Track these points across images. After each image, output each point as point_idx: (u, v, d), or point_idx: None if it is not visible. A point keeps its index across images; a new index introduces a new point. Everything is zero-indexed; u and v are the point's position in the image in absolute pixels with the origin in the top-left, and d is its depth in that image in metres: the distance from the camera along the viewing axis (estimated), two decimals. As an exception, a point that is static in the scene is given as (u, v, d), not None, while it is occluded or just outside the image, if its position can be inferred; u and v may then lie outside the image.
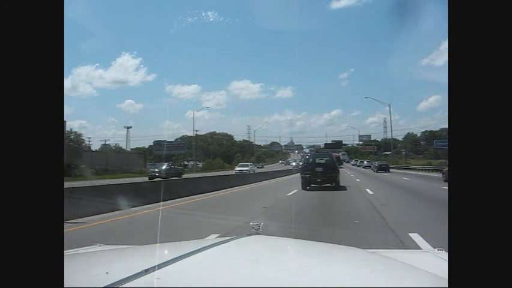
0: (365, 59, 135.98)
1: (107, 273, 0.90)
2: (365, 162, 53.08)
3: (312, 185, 14.09)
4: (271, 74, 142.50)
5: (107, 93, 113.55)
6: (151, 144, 63.50)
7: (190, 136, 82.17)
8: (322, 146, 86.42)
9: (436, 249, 1.40)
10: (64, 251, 0.79)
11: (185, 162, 49.89)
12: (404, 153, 68.29)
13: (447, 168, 19.75)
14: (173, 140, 65.52)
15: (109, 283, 0.80)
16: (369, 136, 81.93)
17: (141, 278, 0.85)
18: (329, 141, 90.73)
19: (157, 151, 62.43)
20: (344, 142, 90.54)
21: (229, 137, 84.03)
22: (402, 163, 50.88)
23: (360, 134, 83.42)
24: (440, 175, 22.67)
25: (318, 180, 14.44)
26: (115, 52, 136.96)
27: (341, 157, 63.90)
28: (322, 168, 14.74)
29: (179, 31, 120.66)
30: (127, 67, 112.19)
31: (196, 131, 68.16)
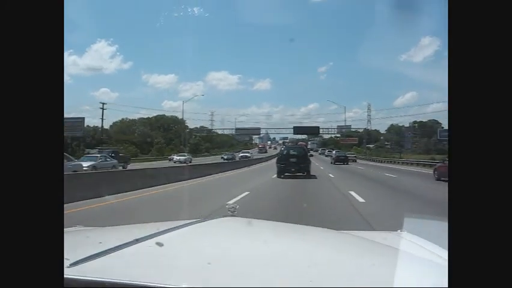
0: (344, 53, 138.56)
1: (100, 243, 1.00)
2: (334, 151, 51.95)
3: (286, 174, 16.66)
4: (249, 66, 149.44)
5: (81, 81, 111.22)
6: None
7: (143, 118, 65.27)
8: (294, 140, 72.44)
9: (399, 231, 1.55)
10: None
11: (88, 151, 30.52)
12: (389, 146, 64.73)
13: (440, 165, 16.88)
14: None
15: (103, 249, 0.93)
16: (349, 126, 69.36)
17: (133, 246, 0.99)
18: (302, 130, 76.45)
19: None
20: (320, 134, 76.93)
21: (179, 122, 66.41)
22: (390, 157, 49.08)
23: (339, 124, 70.76)
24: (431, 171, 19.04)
25: (292, 169, 17.00)
26: (90, 38, 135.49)
27: (309, 146, 65.09)
28: (295, 159, 17.50)
29: (157, 19, 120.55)
30: (102, 54, 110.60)
31: (103, 104, 50.43)
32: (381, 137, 77.66)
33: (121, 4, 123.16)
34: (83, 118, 44.85)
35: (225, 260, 0.97)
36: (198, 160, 40.96)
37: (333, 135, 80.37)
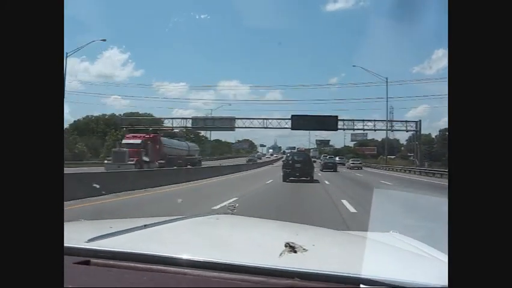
0: (357, 64, 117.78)
1: (110, 227, 1.08)
2: (337, 158, 48.58)
3: (291, 178, 18.09)
4: (261, 76, 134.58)
5: (92, 87, 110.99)
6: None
7: (105, 115, 51.21)
8: (301, 148, 58.77)
9: (391, 231, 1.58)
10: None
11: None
12: (412, 158, 51.30)
13: None
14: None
15: (115, 230, 1.03)
16: (366, 134, 57.82)
17: (142, 230, 1.10)
18: (315, 141, 63.02)
19: None
20: (331, 144, 64.65)
21: (157, 122, 50.83)
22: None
23: (353, 132, 58.49)
24: None
25: (297, 174, 18.17)
26: (103, 45, 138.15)
27: (311, 154, 48.75)
28: (300, 165, 18.47)
29: (170, 28, 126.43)
30: (114, 61, 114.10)
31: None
32: (402, 148, 70.09)
33: (135, 13, 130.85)
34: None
35: (222, 243, 1.13)
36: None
37: (350, 144, 67.74)
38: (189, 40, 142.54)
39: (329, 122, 43.37)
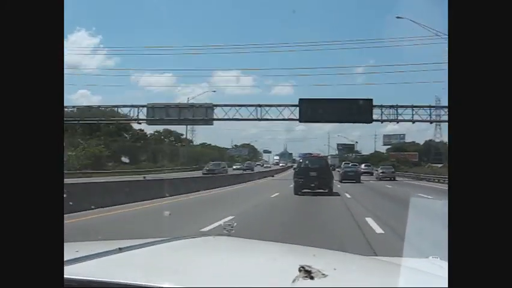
0: (387, 50, 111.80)
1: (76, 251, 1.00)
2: (363, 166, 39.05)
3: (304, 190, 15.10)
4: (267, 65, 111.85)
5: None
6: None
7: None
8: (317, 154, 42.28)
9: (431, 257, 1.44)
10: None
11: None
12: None
13: None
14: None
15: (83, 255, 0.95)
16: (403, 136, 41.70)
17: (116, 254, 1.01)
18: (336, 146, 48.81)
19: None
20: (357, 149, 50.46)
21: (119, 115, 35.54)
22: None
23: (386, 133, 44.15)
24: None
25: (312, 185, 15.06)
26: (67, 27, 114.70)
27: (330, 161, 32.58)
28: (316, 173, 15.43)
29: (151, 6, 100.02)
30: (81, 47, 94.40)
31: None
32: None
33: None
34: None
35: (217, 268, 1.00)
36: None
37: (382, 149, 52.21)
38: (175, 19, 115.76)
39: (358, 110, 28.62)
